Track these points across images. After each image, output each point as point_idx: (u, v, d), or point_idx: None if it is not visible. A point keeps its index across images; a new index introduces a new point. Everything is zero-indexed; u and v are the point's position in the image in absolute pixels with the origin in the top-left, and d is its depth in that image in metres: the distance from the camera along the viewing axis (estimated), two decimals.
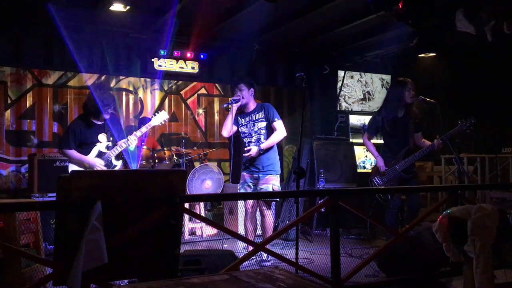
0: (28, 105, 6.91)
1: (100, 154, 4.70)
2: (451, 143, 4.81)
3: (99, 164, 4.67)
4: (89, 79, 7.25)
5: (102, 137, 4.72)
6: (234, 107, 4.81)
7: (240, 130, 5.02)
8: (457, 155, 4.85)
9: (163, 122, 4.95)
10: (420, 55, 7.74)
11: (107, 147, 4.73)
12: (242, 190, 4.93)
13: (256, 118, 4.91)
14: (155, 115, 4.91)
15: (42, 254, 2.92)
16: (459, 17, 4.69)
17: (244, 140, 4.95)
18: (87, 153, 4.66)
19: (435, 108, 5.19)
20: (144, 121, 6.84)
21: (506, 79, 6.60)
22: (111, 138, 4.76)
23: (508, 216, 2.61)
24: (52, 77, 7.04)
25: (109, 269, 2.45)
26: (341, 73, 8.18)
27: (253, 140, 4.87)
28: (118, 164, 4.80)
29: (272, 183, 4.82)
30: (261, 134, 4.87)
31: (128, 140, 4.69)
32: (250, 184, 4.90)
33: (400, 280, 3.83)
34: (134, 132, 4.74)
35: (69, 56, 6.71)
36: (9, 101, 6.80)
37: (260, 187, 4.81)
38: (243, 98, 4.85)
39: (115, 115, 4.99)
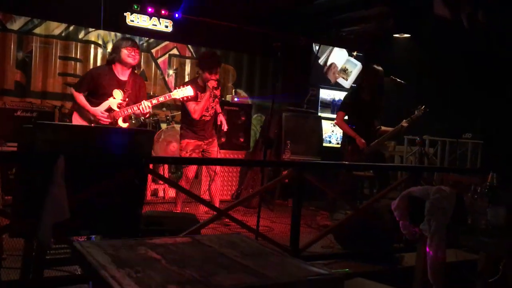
0: None
1: (109, 111, 4.27)
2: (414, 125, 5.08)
3: (104, 119, 4.23)
4: (57, 28, 6.95)
5: (117, 93, 4.27)
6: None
7: None
8: (420, 137, 5.09)
9: (184, 98, 4.55)
10: (394, 35, 7.80)
11: (118, 106, 4.28)
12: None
13: (215, 95, 5.02)
14: (177, 88, 4.51)
15: (1, 205, 2.85)
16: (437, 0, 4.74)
17: None
18: (96, 105, 4.25)
19: (402, 88, 5.37)
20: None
21: (476, 67, 6.74)
22: (127, 99, 4.31)
23: (464, 199, 2.72)
24: (17, 23, 6.70)
25: (69, 225, 2.43)
26: (315, 46, 8.17)
27: (207, 115, 4.96)
28: (123, 127, 4.31)
29: (216, 146, 5.16)
30: (213, 110, 5.08)
31: (141, 105, 4.26)
32: (202, 151, 5.01)
33: (354, 253, 3.97)
34: (150, 99, 4.32)
35: (36, 2, 6.44)
36: None
37: (211, 151, 5.04)
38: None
39: (142, 80, 4.60)
